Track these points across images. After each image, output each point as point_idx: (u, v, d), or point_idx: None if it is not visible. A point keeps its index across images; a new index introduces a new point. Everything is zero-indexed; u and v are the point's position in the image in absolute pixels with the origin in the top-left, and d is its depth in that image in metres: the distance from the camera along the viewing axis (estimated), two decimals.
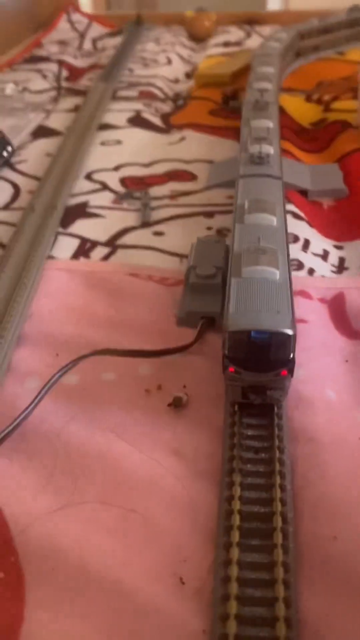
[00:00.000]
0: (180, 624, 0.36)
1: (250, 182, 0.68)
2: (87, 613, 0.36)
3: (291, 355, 0.45)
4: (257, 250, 0.53)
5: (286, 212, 0.65)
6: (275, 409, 0.47)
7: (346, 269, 0.71)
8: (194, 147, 1.00)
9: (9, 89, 1.23)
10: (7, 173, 0.90)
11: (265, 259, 0.52)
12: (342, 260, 0.73)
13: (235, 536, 0.39)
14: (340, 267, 0.71)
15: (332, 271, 0.70)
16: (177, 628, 0.36)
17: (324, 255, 0.72)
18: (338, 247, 0.75)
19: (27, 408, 0.48)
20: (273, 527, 0.39)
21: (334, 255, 0.73)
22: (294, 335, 0.45)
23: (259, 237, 0.55)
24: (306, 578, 0.38)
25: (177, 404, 0.51)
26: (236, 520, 0.40)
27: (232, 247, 0.56)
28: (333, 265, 0.71)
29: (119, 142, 1.01)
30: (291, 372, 0.46)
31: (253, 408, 0.48)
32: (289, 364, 0.46)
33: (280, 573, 0.36)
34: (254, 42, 1.60)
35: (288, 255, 0.55)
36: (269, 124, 0.83)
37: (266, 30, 1.70)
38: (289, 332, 0.45)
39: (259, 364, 0.46)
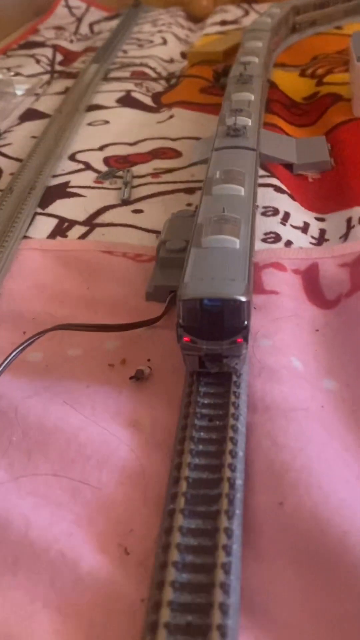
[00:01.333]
0: (120, 593, 0.36)
1: (222, 154, 0.67)
2: (27, 585, 0.36)
3: (245, 322, 0.45)
4: (219, 219, 0.52)
5: (264, 182, 0.63)
6: (234, 377, 0.47)
7: (326, 240, 0.70)
8: (182, 124, 0.99)
9: (1, 74, 1.23)
10: None
11: (227, 229, 0.51)
12: (322, 231, 0.71)
13: (181, 503, 0.38)
14: (321, 239, 0.70)
15: (312, 243, 0.69)
16: (117, 597, 0.35)
17: (304, 228, 0.71)
18: (320, 219, 0.74)
19: None
20: (219, 494, 0.39)
21: (315, 227, 0.72)
22: (249, 302, 0.45)
23: (223, 207, 0.54)
24: (252, 545, 0.37)
25: (138, 377, 0.50)
26: (183, 486, 0.39)
27: (197, 218, 0.55)
28: (313, 237, 0.70)
29: (106, 122, 1.01)
30: (246, 339, 0.45)
31: (211, 377, 0.47)
32: (244, 332, 0.45)
33: (222, 539, 0.36)
34: (251, 20, 1.57)
35: (253, 225, 0.55)
36: (250, 96, 0.81)
37: (265, 7, 1.67)
38: (242, 298, 0.44)
39: (213, 332, 0.45)
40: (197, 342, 0.45)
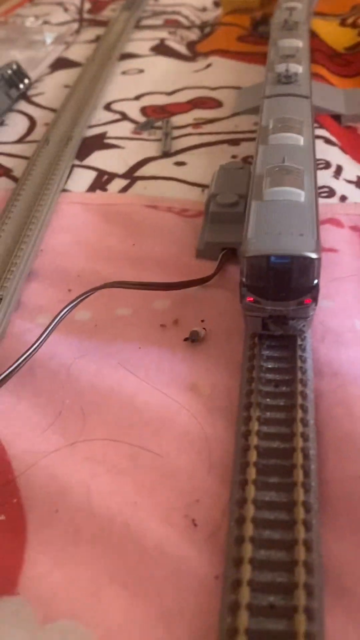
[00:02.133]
0: (191, 569, 0.33)
1: (275, 102, 0.63)
2: (90, 557, 0.34)
3: (315, 282, 0.41)
4: (280, 170, 0.49)
5: (314, 133, 0.60)
6: (299, 340, 0.44)
7: None
8: (220, 73, 0.94)
9: (29, 21, 1.18)
10: (23, 106, 0.86)
11: (290, 180, 0.47)
12: None
13: (252, 473, 0.36)
14: None
15: None
16: (188, 573, 0.33)
17: (358, 182, 0.67)
18: None
19: (34, 343, 0.45)
20: (293, 464, 0.36)
21: None
22: (319, 260, 0.41)
23: (283, 157, 0.51)
24: (329, 520, 0.35)
25: (194, 339, 0.48)
26: (253, 456, 0.36)
27: (254, 169, 0.51)
28: None
29: (141, 71, 0.96)
30: (315, 300, 0.42)
31: (274, 340, 0.44)
32: (313, 291, 0.42)
33: (300, 513, 0.33)
34: None
35: (315, 176, 0.51)
36: (299, 43, 0.77)
37: None
38: (313, 255, 0.41)
39: (280, 291, 0.42)
40: (261, 302, 0.42)
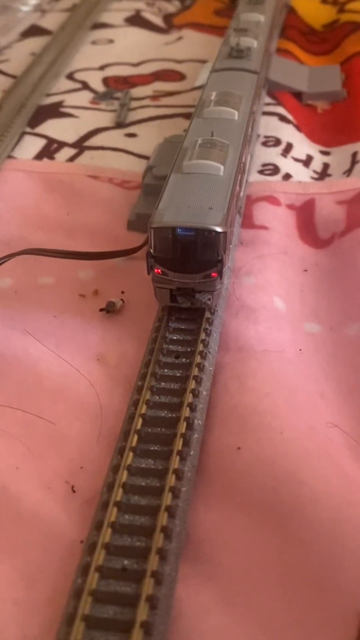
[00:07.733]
0: (60, 532, 0.34)
1: (221, 75, 0.62)
2: None
3: (220, 256, 0.42)
4: (205, 144, 0.48)
5: (259, 109, 0.59)
6: (208, 314, 0.44)
7: (329, 175, 0.66)
8: (190, 46, 0.94)
9: None
10: None
11: (212, 154, 0.47)
12: (326, 166, 0.67)
13: (133, 441, 0.36)
14: (323, 174, 0.66)
15: (313, 177, 0.65)
16: (56, 537, 0.34)
17: (307, 161, 0.67)
18: (324, 153, 0.69)
19: None
20: (175, 433, 0.36)
21: (318, 161, 0.68)
22: (225, 234, 0.41)
23: (212, 131, 0.50)
24: (204, 489, 0.35)
25: (109, 309, 0.48)
26: (138, 424, 0.37)
27: (182, 142, 0.51)
28: (315, 172, 0.66)
29: (111, 41, 0.95)
30: (220, 274, 0.42)
31: (184, 312, 0.44)
32: (219, 265, 0.42)
33: (171, 481, 0.34)
34: None
35: (243, 153, 0.51)
36: (260, 17, 0.76)
37: None
38: (218, 229, 0.41)
39: (186, 264, 0.42)
40: (168, 274, 0.42)
